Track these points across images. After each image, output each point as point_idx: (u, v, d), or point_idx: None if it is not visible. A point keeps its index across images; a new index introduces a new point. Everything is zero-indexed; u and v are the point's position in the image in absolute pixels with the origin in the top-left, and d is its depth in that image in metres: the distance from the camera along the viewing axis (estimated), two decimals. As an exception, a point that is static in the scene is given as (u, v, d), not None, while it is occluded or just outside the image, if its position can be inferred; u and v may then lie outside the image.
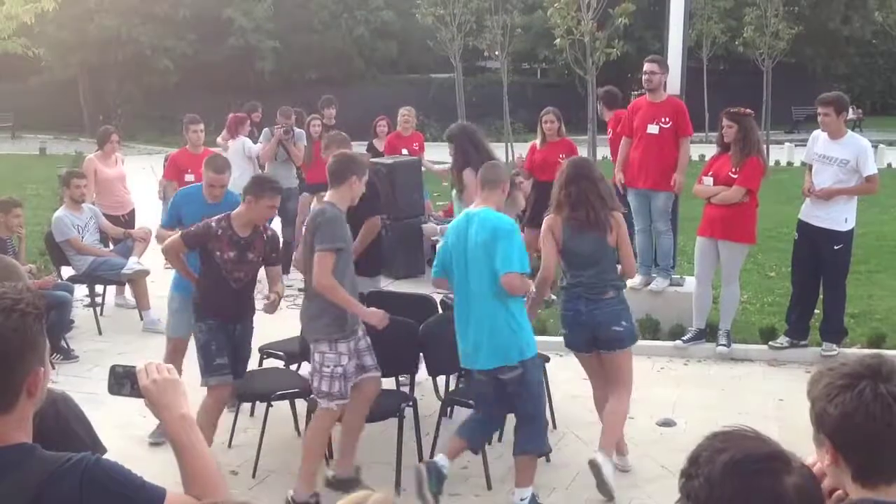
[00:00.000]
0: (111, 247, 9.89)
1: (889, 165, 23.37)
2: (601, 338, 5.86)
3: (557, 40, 13.23)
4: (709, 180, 8.25)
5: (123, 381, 2.52)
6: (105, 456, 2.33)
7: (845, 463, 1.95)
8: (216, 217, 6.00)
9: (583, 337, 5.95)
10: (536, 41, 33.39)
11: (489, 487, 5.98)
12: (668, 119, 8.68)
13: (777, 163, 23.14)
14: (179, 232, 6.25)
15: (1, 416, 2.17)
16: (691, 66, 32.83)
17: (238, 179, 10.45)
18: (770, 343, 8.44)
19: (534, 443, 5.57)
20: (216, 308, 6.00)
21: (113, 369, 2.55)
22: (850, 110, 35.13)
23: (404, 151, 12.44)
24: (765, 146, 22.78)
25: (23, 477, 2.14)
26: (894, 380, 1.92)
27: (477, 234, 5.39)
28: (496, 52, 22.79)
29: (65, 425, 2.51)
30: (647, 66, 8.74)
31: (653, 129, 8.71)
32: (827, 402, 1.94)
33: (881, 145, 24.80)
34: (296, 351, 6.87)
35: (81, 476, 2.18)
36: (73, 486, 2.16)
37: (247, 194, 5.91)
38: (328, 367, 5.59)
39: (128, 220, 10.31)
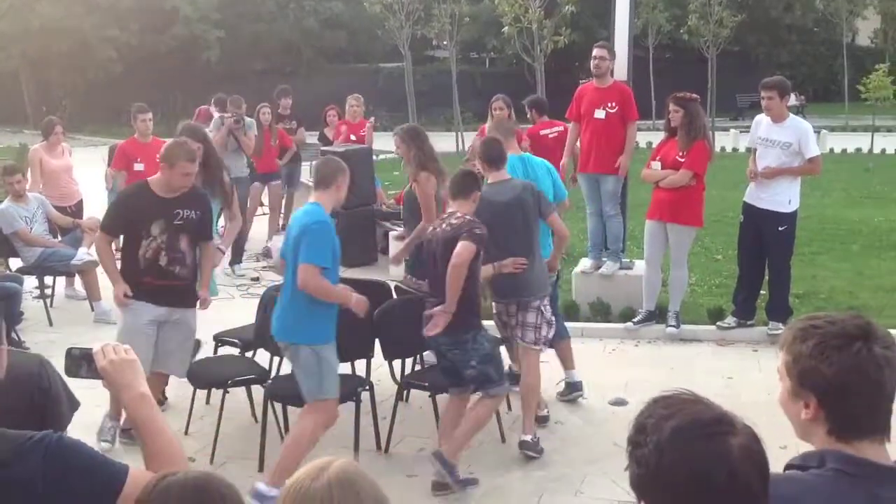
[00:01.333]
0: (60, 238, 9.79)
1: (831, 150, 23.81)
2: None
3: (506, 28, 13.33)
4: (657, 165, 8.39)
5: (80, 362, 2.54)
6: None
7: (825, 419, 2.02)
8: None
9: None
10: (485, 30, 33.53)
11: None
12: (614, 104, 8.81)
13: (723, 149, 23.44)
14: None
15: None
16: (638, 54, 33.08)
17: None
18: (718, 323, 8.61)
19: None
20: None
21: (69, 352, 2.56)
22: (794, 97, 35.79)
23: (352, 138, 12.50)
24: (711, 133, 23.24)
25: None
26: (882, 341, 2.00)
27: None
28: (444, 42, 22.83)
29: (55, 386, 2.54)
30: (596, 52, 8.85)
31: (599, 114, 8.83)
32: (819, 361, 1.99)
33: (823, 131, 25.27)
34: (251, 338, 6.90)
35: (45, 453, 2.21)
36: (36, 463, 2.19)
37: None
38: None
39: (75, 212, 10.22)
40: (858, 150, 23.75)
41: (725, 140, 24.71)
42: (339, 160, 5.88)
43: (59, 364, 2.60)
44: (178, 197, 6.11)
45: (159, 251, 6.09)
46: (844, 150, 23.94)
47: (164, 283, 6.14)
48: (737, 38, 31.43)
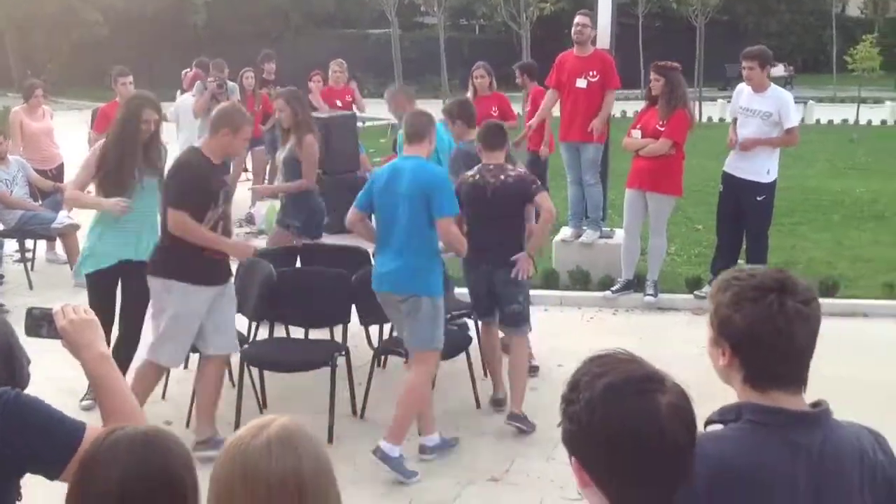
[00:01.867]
0: (40, 201, 9.77)
1: (817, 121, 23.87)
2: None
3: (492, -6, 13.25)
4: (637, 133, 8.41)
5: (41, 322, 2.55)
6: None
7: (739, 366, 2.10)
8: None
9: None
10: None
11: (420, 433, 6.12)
12: (595, 73, 8.80)
13: (710, 119, 23.49)
14: None
15: None
16: (627, 23, 33.06)
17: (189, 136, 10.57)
18: (695, 292, 8.66)
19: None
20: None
21: (30, 312, 2.58)
22: (782, 67, 35.62)
23: (338, 104, 12.48)
24: (697, 102, 23.22)
25: None
26: (798, 295, 2.06)
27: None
28: (434, 8, 22.69)
29: (12, 342, 2.55)
30: (578, 19, 8.84)
31: (581, 83, 8.83)
32: (734, 311, 2.06)
33: (810, 101, 25.32)
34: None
35: (2, 410, 2.23)
36: None
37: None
38: None
39: (56, 175, 10.20)
40: (845, 121, 23.78)
41: (713, 110, 24.73)
42: (428, 113, 5.95)
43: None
44: (221, 163, 5.88)
45: (219, 221, 5.69)
46: (831, 122, 23.98)
47: (223, 256, 5.80)
48: (726, 7, 31.32)
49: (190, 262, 5.57)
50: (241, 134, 5.71)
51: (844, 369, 7.14)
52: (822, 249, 10.49)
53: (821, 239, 11.03)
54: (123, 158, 6.09)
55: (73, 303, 2.60)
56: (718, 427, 2.12)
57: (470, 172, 6.22)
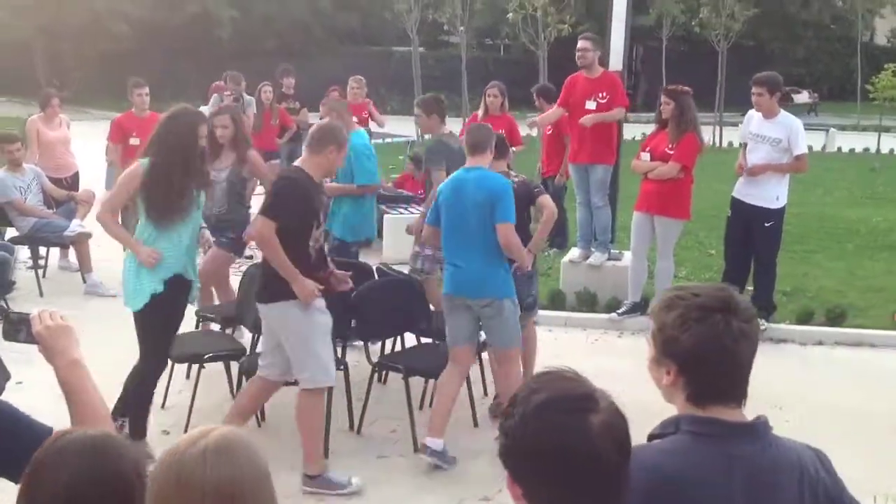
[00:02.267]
0: (55, 210, 9.86)
1: (839, 149, 23.76)
2: None
3: (510, 14, 13.30)
4: (646, 156, 8.40)
5: (19, 327, 2.59)
6: (37, 414, 2.41)
7: (684, 385, 2.13)
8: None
9: None
10: (499, 17, 33.40)
11: (416, 450, 6.11)
12: (605, 94, 8.82)
13: (730, 144, 23.39)
14: None
15: None
16: (652, 45, 32.92)
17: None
18: (702, 317, 8.61)
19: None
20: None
21: (7, 316, 2.61)
22: (807, 94, 35.53)
23: (354, 120, 12.53)
24: (718, 127, 23.14)
25: None
26: (741, 314, 2.09)
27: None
28: (461, 28, 22.78)
29: None
30: (580, 44, 8.90)
31: (590, 104, 8.86)
32: (680, 331, 2.09)
33: (832, 129, 25.22)
34: (232, 315, 6.97)
35: None
36: None
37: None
38: None
39: (71, 184, 10.29)
40: (867, 149, 23.66)
41: (734, 135, 24.56)
42: (489, 126, 6.34)
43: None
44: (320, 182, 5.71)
45: (319, 239, 5.58)
46: (852, 150, 23.85)
47: (325, 276, 5.61)
48: (752, 32, 31.27)
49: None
50: (344, 151, 5.63)
51: (846, 398, 7.13)
52: (834, 278, 10.42)
53: (833, 267, 10.96)
54: (184, 178, 5.68)
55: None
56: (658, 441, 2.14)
57: None
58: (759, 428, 2.13)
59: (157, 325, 5.76)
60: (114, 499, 1.93)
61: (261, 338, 5.95)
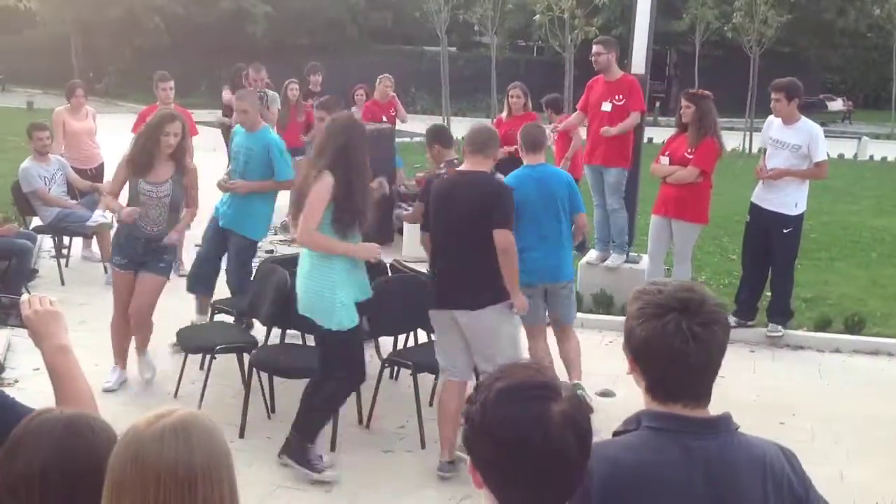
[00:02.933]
0: (79, 200, 9.97)
1: (871, 158, 23.51)
2: None
3: (537, 16, 13.31)
4: (665, 160, 8.37)
5: (9, 311, 2.63)
6: (50, 399, 2.46)
7: (640, 376, 2.16)
8: None
9: None
10: (531, 19, 33.30)
11: (423, 447, 6.13)
12: (621, 96, 8.80)
13: (759, 150, 23.21)
14: None
15: None
16: (685, 50, 32.63)
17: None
18: (718, 322, 8.57)
19: None
20: None
21: None
22: (841, 102, 35.16)
23: (383, 119, 12.61)
24: (748, 133, 22.97)
25: None
26: (699, 316, 2.07)
27: None
28: (493, 31, 22.78)
29: None
30: (593, 48, 8.92)
31: (606, 106, 8.87)
32: (636, 323, 2.11)
33: (865, 137, 24.95)
34: (244, 308, 7.03)
35: None
36: None
37: None
38: None
39: (95, 174, 10.41)
40: (900, 158, 23.39)
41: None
42: (542, 127, 6.96)
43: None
44: None
45: None
46: (885, 159, 23.59)
47: None
48: (787, 39, 30.97)
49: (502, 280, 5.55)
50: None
51: (862, 406, 7.07)
52: (856, 286, 10.33)
53: (855, 275, 10.87)
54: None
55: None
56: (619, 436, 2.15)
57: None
58: (721, 423, 2.13)
59: (357, 341, 5.72)
60: (86, 477, 1.96)
61: (438, 346, 5.91)
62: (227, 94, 13.19)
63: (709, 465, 2.07)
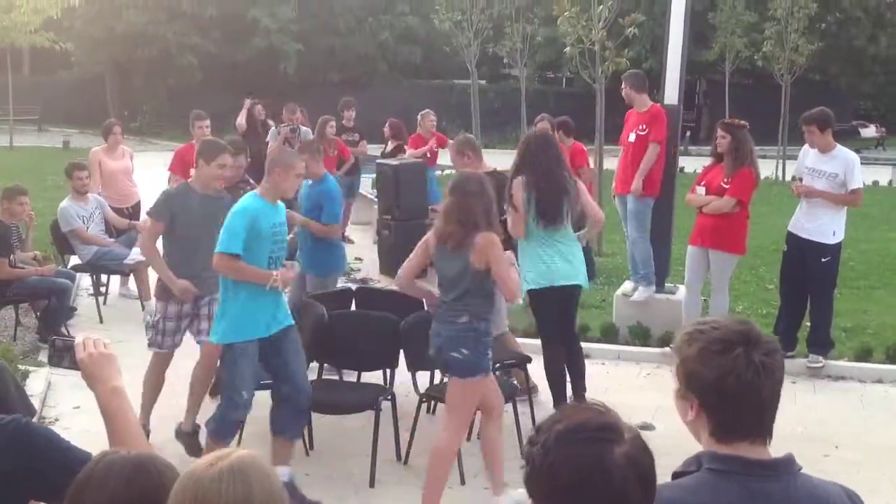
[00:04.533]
0: (116, 238, 10.07)
1: (906, 184, 23.32)
2: (440, 360, 5.62)
3: (567, 49, 13.34)
4: (701, 190, 8.33)
5: (63, 353, 2.65)
6: (91, 437, 2.48)
7: (706, 420, 2.11)
8: None
9: (437, 358, 5.69)
10: (561, 51, 33.41)
11: (462, 482, 6.10)
12: (645, 126, 8.85)
13: (793, 178, 23.04)
14: None
15: None
16: (715, 79, 32.48)
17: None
18: (757, 353, 8.49)
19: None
20: None
21: (53, 342, 2.67)
22: (874, 128, 34.85)
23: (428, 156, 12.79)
24: (781, 161, 22.83)
25: None
26: (762, 347, 2.07)
27: None
28: (523, 63, 22.87)
29: (4, 388, 2.65)
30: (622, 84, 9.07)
31: (631, 137, 8.99)
32: (702, 365, 2.08)
33: (898, 164, 24.78)
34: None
35: (12, 435, 2.32)
36: (1, 444, 2.30)
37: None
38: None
39: (132, 213, 10.52)
40: (935, 185, 23.14)
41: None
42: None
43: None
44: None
45: None
46: (920, 185, 23.39)
47: None
48: (819, 66, 30.84)
49: None
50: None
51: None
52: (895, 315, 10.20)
53: (895, 304, 10.73)
54: None
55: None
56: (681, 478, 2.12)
57: None
58: (783, 465, 2.10)
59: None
60: None
61: None
62: (241, 120, 13.43)
63: None
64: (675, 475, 2.13)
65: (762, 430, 2.11)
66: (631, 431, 1.78)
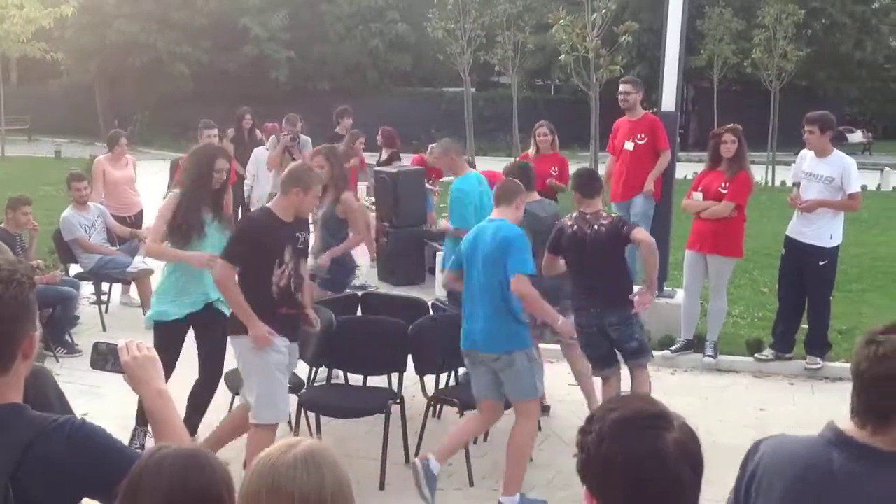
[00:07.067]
0: (118, 247, 10.13)
1: (894, 188, 23.50)
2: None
3: (562, 56, 13.50)
4: (698, 195, 8.44)
5: (107, 357, 2.71)
6: None
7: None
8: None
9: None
10: (552, 58, 33.62)
11: (471, 484, 6.18)
12: (643, 135, 8.98)
13: (783, 183, 23.22)
14: None
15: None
16: (703, 86, 32.71)
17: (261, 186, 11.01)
18: (756, 355, 8.62)
19: None
20: None
21: (96, 346, 2.73)
22: (860, 133, 35.15)
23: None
24: (770, 166, 23.02)
25: (13, 434, 2.34)
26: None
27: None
28: (514, 70, 23.02)
29: (43, 393, 2.71)
30: (621, 87, 9.13)
31: (629, 145, 9.08)
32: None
33: (887, 168, 24.97)
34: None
35: (68, 435, 2.38)
36: (59, 445, 2.36)
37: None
38: None
39: (135, 222, 10.57)
40: (924, 189, 23.36)
41: (787, 174, 24.37)
42: (518, 182, 6.14)
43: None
44: (296, 220, 5.79)
45: (290, 278, 5.71)
46: (908, 189, 23.60)
47: (295, 313, 5.85)
48: (805, 72, 31.08)
49: (264, 318, 5.58)
50: (313, 193, 5.77)
51: None
52: (888, 317, 10.20)
53: (889, 307, 10.86)
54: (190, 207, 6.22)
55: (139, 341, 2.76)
56: None
57: (568, 222, 6.42)
58: None
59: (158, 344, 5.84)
60: None
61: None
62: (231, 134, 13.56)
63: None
64: None
65: None
66: (679, 419, 1.87)
